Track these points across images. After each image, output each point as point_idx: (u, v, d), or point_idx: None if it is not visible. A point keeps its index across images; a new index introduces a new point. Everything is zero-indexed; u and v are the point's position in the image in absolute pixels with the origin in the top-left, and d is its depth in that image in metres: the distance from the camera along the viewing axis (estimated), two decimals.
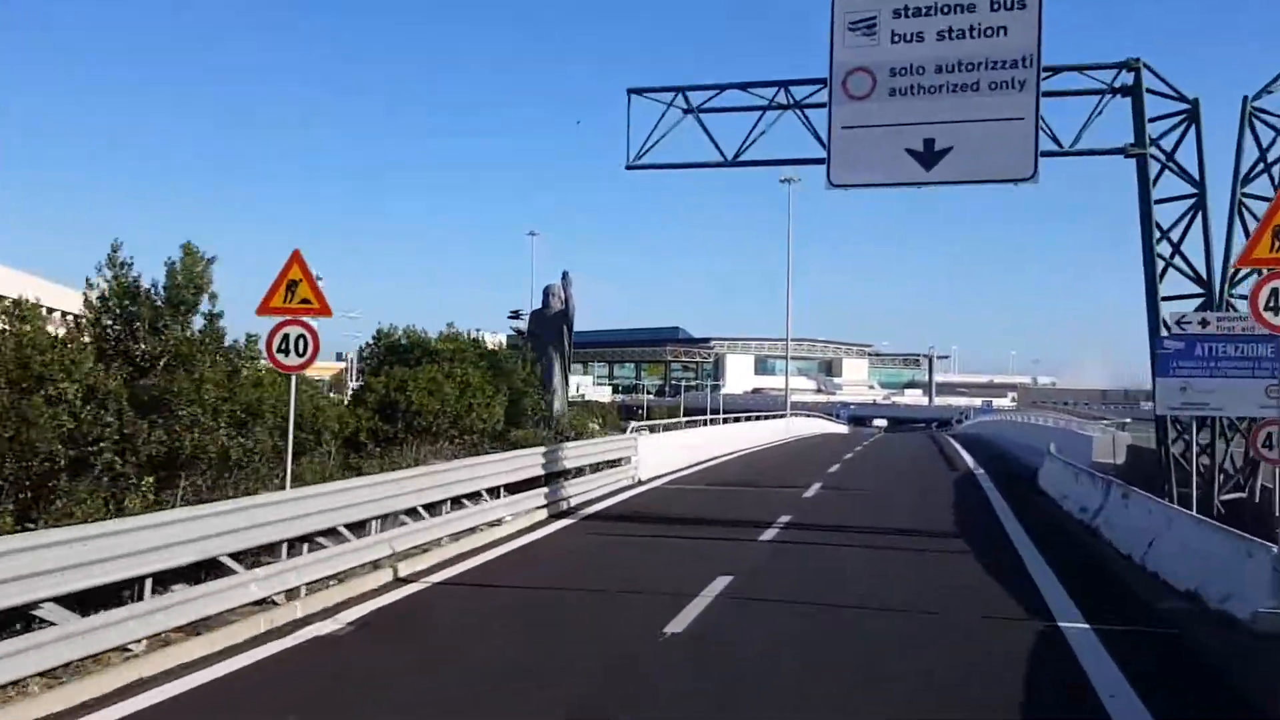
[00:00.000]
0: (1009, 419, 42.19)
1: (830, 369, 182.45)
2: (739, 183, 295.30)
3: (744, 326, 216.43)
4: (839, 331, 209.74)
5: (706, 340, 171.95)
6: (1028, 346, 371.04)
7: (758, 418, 45.97)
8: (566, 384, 33.68)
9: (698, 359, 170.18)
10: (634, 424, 23.63)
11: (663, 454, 24.11)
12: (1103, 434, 24.06)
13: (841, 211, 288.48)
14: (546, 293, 28.30)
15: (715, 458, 27.86)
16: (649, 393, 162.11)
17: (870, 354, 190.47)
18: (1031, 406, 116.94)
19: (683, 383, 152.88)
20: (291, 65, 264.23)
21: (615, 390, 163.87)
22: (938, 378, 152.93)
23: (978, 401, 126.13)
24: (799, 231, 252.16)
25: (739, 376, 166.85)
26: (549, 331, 27.22)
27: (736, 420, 44.24)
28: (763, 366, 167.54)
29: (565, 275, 27.11)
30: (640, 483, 20.82)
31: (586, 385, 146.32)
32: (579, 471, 18.15)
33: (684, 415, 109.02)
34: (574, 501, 16.91)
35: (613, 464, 20.38)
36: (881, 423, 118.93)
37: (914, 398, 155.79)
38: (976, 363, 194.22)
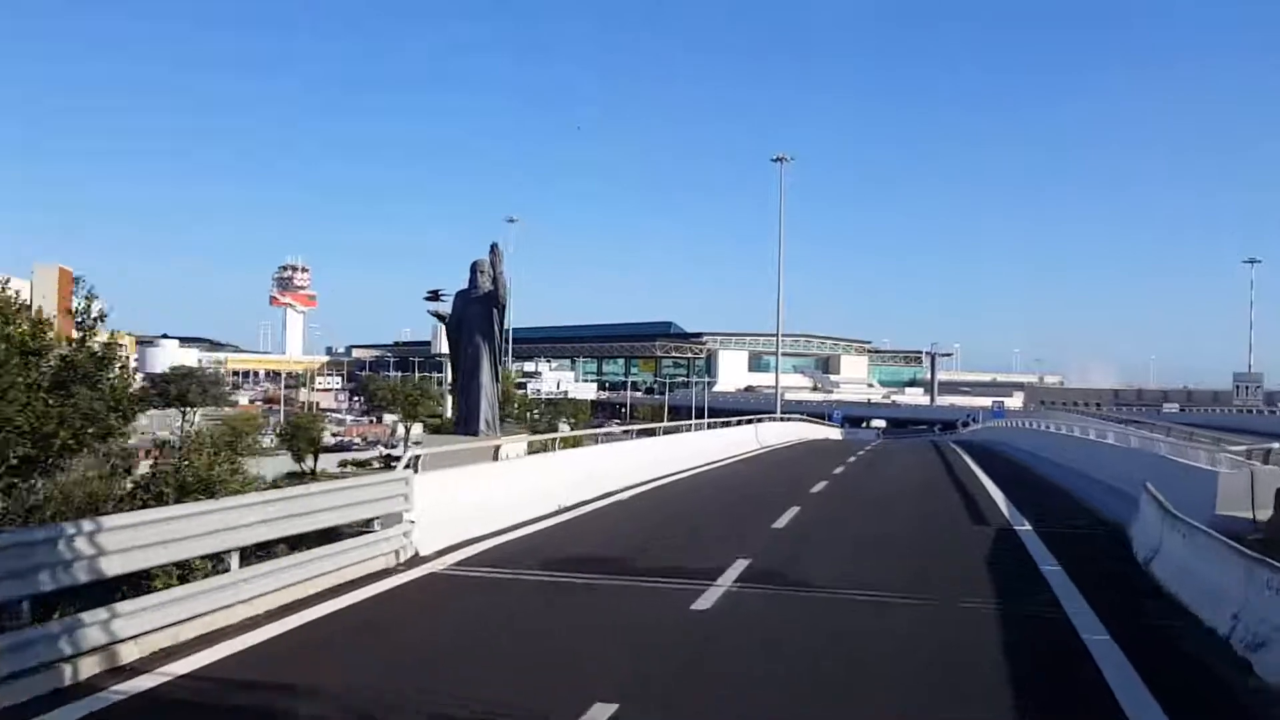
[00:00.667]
0: (1038, 427, 32.03)
1: (828, 366, 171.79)
2: (734, 169, 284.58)
3: (739, 321, 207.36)
4: (838, 327, 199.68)
5: (699, 335, 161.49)
6: (1029, 345, 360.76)
7: (745, 421, 36.44)
8: (498, 380, 26.09)
9: (689, 355, 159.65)
10: (414, 450, 13.80)
11: (501, 491, 14.37)
12: (1231, 469, 14.15)
13: (840, 202, 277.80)
14: (473, 269, 23.97)
15: (619, 491, 18.15)
16: (637, 389, 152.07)
17: (870, 351, 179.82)
18: (1043, 408, 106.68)
19: (668, 380, 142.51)
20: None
21: (601, 387, 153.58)
22: (939, 376, 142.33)
23: (986, 401, 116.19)
24: (797, 222, 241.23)
25: (732, 373, 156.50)
26: (476, 316, 23.03)
27: (720, 424, 34.71)
28: (757, 363, 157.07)
29: (494, 247, 22.90)
30: (414, 560, 11.05)
31: (568, 381, 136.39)
32: (208, 567, 8.42)
33: (667, 415, 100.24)
34: (130, 657, 7.18)
35: (356, 532, 10.62)
36: (880, 423, 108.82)
37: (915, 397, 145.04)
38: (978, 361, 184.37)
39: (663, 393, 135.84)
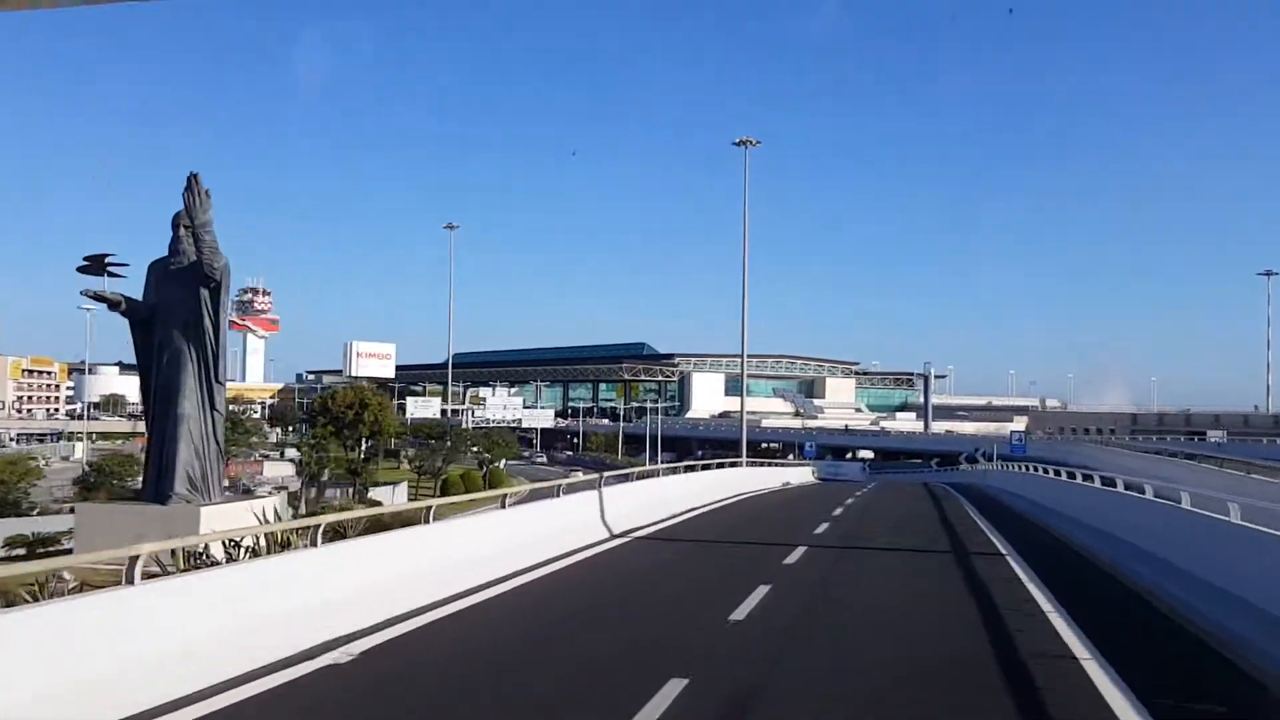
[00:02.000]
0: (1144, 493, 15.80)
1: (812, 389, 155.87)
2: (709, 168, 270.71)
3: (715, 342, 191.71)
4: (823, 348, 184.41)
5: (670, 357, 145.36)
6: (1025, 367, 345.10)
7: (638, 477, 20.33)
8: (211, 405, 17.33)
9: (660, 378, 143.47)
10: None
11: None
12: None
13: (825, 218, 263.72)
14: (175, 226, 16.85)
15: None
16: (605, 416, 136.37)
17: (857, 372, 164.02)
18: (1054, 435, 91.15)
19: (628, 407, 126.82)
20: None
21: (564, 414, 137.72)
22: (933, 400, 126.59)
23: (977, 428, 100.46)
24: (779, 237, 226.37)
25: (707, 397, 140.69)
26: (176, 304, 16.63)
27: (581, 485, 18.97)
28: (734, 386, 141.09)
29: (191, 182, 15.68)
30: None
31: (517, 408, 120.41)
32: None
33: (622, 446, 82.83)
34: None
35: None
36: (867, 454, 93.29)
37: (907, 422, 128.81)
38: (971, 384, 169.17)
39: (633, 419, 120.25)
